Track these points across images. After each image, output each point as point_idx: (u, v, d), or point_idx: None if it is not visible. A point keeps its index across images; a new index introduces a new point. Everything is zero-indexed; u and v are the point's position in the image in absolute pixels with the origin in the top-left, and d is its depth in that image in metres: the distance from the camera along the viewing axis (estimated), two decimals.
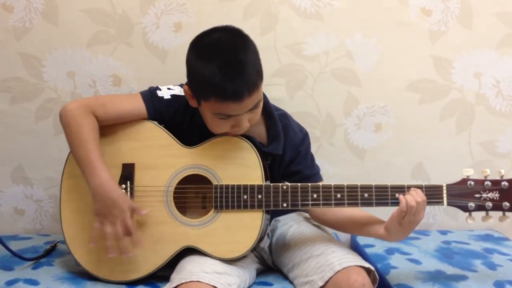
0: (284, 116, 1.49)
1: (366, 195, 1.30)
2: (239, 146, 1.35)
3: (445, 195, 1.30)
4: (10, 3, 1.71)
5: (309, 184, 1.33)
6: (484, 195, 1.29)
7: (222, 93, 1.24)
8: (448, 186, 1.30)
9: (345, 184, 1.31)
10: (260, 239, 1.36)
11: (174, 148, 1.37)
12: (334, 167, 1.77)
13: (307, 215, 1.57)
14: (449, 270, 1.49)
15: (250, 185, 1.33)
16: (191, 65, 1.31)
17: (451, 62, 1.77)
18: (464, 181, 1.30)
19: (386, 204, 1.30)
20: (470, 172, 1.30)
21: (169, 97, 1.40)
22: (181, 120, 1.41)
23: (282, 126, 1.44)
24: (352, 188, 1.31)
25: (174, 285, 1.23)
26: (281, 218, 1.55)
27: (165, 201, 1.36)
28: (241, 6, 1.72)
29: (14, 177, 1.81)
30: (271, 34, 1.74)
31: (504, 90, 1.79)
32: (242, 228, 1.33)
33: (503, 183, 1.29)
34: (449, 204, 1.30)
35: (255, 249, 1.44)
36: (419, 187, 1.29)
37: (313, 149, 1.52)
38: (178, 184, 1.36)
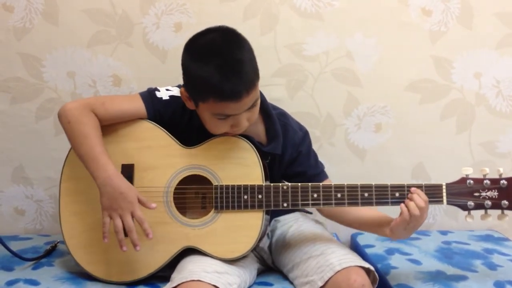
0: (283, 115, 1.48)
1: (366, 194, 1.31)
2: (239, 146, 1.35)
3: (444, 194, 1.30)
4: (10, 3, 1.71)
5: (309, 184, 1.32)
6: (483, 193, 1.29)
7: (221, 93, 1.24)
8: (447, 185, 1.30)
9: (345, 184, 1.31)
10: (260, 239, 1.36)
11: (173, 149, 1.37)
12: (334, 167, 1.77)
13: (307, 215, 1.57)
14: (449, 270, 1.48)
15: (250, 185, 1.33)
16: (187, 68, 1.30)
17: (451, 62, 1.77)
18: (463, 180, 1.30)
19: (386, 203, 1.30)
20: (469, 171, 1.30)
21: (168, 98, 1.40)
22: (180, 120, 1.41)
23: (281, 125, 1.43)
24: (352, 188, 1.31)
25: (175, 284, 1.23)
26: (281, 218, 1.55)
27: (165, 202, 1.36)
28: (242, 6, 1.72)
29: (14, 177, 1.81)
30: (271, 34, 1.74)
31: (504, 90, 1.79)
32: (243, 228, 1.33)
33: (502, 181, 1.29)
34: (448, 203, 1.30)
35: (255, 249, 1.44)
36: (419, 186, 1.29)
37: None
38: (178, 184, 1.36)
